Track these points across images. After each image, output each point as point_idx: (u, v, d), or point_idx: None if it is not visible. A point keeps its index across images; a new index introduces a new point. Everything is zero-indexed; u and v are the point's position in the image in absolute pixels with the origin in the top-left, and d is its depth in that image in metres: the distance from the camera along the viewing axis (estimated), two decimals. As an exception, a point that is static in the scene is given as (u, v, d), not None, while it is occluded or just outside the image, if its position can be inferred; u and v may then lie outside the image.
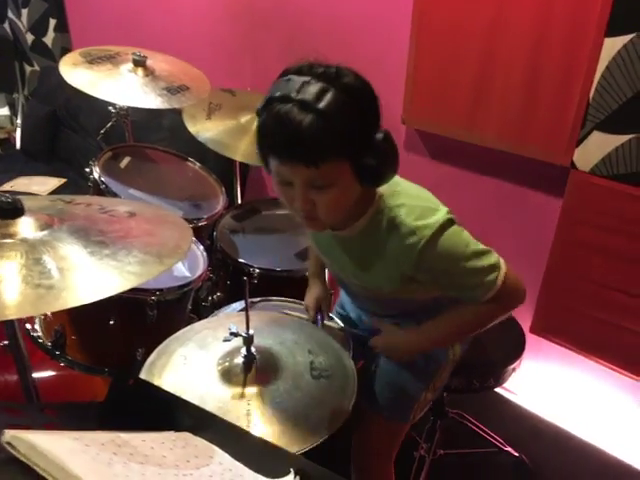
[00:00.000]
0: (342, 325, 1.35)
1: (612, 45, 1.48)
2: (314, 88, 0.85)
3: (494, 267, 1.03)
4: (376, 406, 1.27)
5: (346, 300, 1.41)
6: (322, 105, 0.84)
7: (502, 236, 1.94)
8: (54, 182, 2.74)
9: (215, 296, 1.75)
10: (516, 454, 1.86)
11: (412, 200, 1.02)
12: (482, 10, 1.63)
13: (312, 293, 1.39)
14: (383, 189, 1.02)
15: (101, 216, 0.87)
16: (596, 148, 1.58)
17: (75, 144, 2.97)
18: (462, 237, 1.02)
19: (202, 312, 1.70)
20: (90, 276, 0.75)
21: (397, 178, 1.04)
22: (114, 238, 0.80)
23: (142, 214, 0.93)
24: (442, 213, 1.00)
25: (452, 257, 1.00)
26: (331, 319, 1.37)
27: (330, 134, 0.85)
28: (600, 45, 1.49)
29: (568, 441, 1.96)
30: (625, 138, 1.53)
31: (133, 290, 1.22)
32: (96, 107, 2.08)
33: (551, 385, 2.01)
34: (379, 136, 0.91)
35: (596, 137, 1.57)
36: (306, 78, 0.88)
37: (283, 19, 2.25)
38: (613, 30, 1.47)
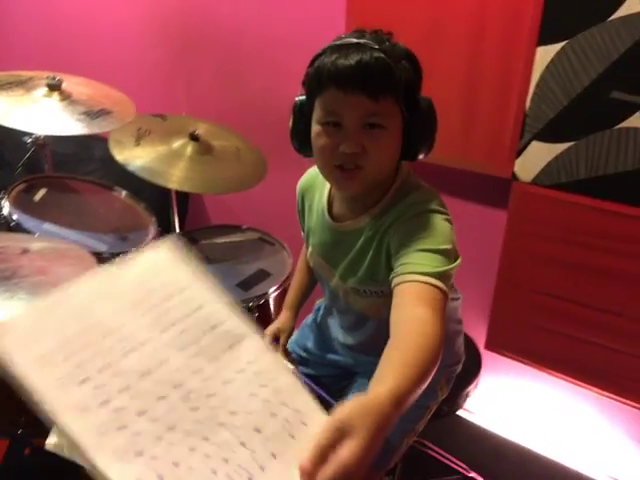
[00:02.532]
0: (292, 366, 1.25)
1: (544, 54, 1.47)
2: (374, 37, 0.90)
3: (447, 267, 0.89)
4: None
5: (316, 340, 1.32)
6: (386, 46, 0.88)
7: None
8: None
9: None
10: (481, 479, 1.78)
11: (432, 193, 1.01)
12: (415, 27, 1.60)
13: (277, 321, 1.32)
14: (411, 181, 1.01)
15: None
16: (536, 158, 1.56)
17: (1, 180, 2.79)
18: (446, 235, 0.93)
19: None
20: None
21: None
22: (-5, 280, 0.68)
23: (39, 250, 0.80)
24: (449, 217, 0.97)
25: (425, 232, 0.91)
26: (286, 355, 1.30)
27: (393, 71, 0.87)
28: (533, 55, 1.49)
29: (532, 460, 1.91)
30: (564, 146, 1.52)
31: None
32: (20, 140, 1.94)
33: (511, 402, 1.97)
34: (425, 100, 0.94)
35: (535, 147, 1.55)
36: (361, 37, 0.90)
37: (216, 41, 2.19)
38: (544, 39, 1.46)
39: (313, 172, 1.13)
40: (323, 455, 0.51)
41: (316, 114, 0.92)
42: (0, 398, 1.22)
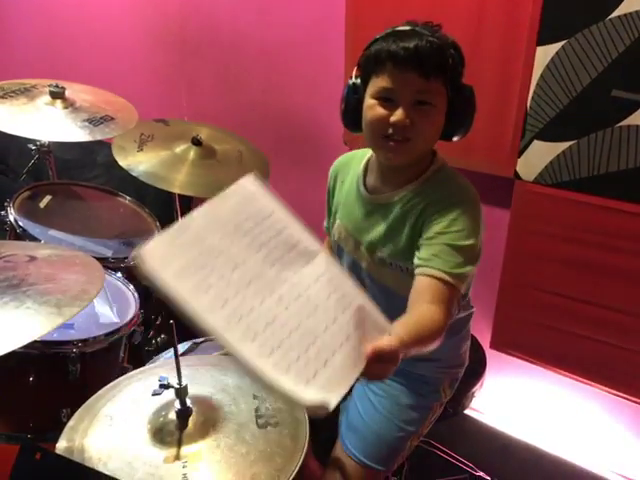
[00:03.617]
0: None
1: (544, 53, 1.47)
2: (427, 27, 0.99)
3: (466, 269, 0.98)
4: (356, 451, 1.17)
5: None
6: (438, 34, 0.98)
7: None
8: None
9: (159, 339, 1.62)
10: (488, 479, 1.78)
11: (469, 186, 1.08)
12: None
13: None
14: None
15: (-8, 264, 0.75)
16: (538, 157, 1.56)
17: (6, 187, 2.81)
18: (477, 231, 1.00)
19: (145, 358, 1.57)
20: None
21: None
22: (4, 288, 0.68)
23: (45, 258, 0.81)
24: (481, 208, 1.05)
25: (457, 225, 0.98)
26: None
27: (445, 55, 0.96)
28: (533, 54, 1.49)
29: (538, 458, 1.90)
30: (565, 145, 1.52)
31: (50, 343, 1.09)
32: (24, 147, 1.96)
33: (517, 401, 1.96)
34: (467, 87, 1.03)
35: (537, 146, 1.56)
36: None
37: (216, 46, 2.20)
38: (544, 39, 1.46)
39: (349, 154, 1.21)
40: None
41: (370, 90, 0.99)
42: (8, 404, 1.23)
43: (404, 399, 1.18)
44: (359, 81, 1.03)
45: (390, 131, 0.97)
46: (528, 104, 1.53)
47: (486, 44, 1.55)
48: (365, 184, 1.12)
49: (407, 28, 0.98)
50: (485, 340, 1.73)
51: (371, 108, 0.99)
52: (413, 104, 0.96)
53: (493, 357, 1.63)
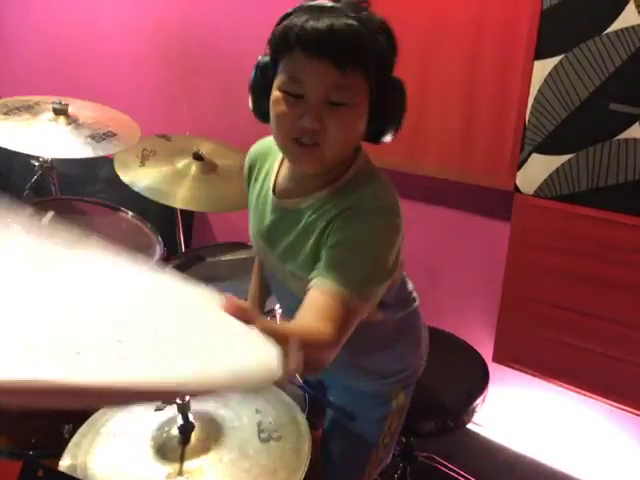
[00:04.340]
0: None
1: (542, 68, 1.49)
2: (350, 4, 0.81)
3: (370, 286, 0.83)
4: (331, 465, 1.17)
5: None
6: (362, 15, 0.80)
7: (454, 265, 1.91)
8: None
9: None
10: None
11: (388, 191, 0.91)
12: (412, 41, 1.63)
13: None
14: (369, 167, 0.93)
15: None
16: (537, 170, 1.57)
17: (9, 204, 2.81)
18: (389, 244, 0.86)
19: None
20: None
21: None
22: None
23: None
24: (399, 218, 0.88)
25: (366, 235, 0.84)
26: None
27: (366, 41, 0.79)
28: (531, 69, 1.51)
29: (542, 472, 1.88)
30: (564, 158, 1.53)
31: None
32: (27, 163, 1.97)
33: (520, 414, 1.95)
34: (397, 81, 0.87)
35: (536, 159, 1.57)
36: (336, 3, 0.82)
37: (218, 62, 2.22)
38: (542, 53, 1.48)
39: (268, 140, 1.04)
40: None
41: (278, 79, 0.84)
42: (10, 420, 1.22)
43: (355, 417, 1.13)
44: (269, 59, 0.87)
45: (298, 134, 0.82)
46: (527, 118, 1.54)
47: (484, 58, 1.57)
48: (275, 185, 0.97)
49: (326, 4, 0.80)
50: (487, 353, 1.73)
51: (277, 104, 0.83)
52: (326, 102, 0.80)
53: (495, 370, 1.62)
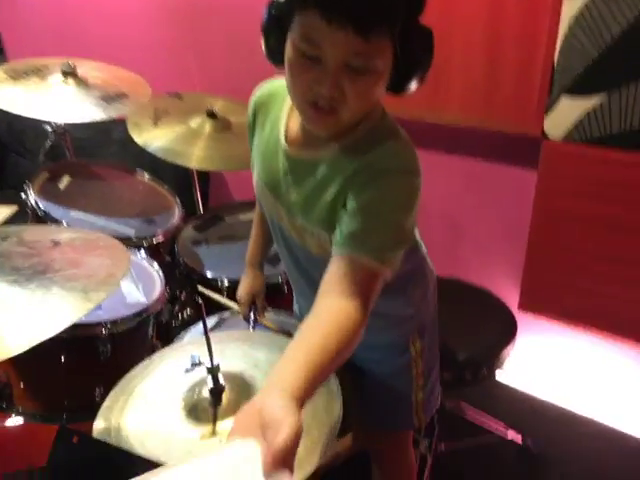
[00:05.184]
0: (278, 325, 1.24)
1: (572, 6, 1.40)
2: None
3: (394, 253, 0.82)
4: (380, 422, 1.19)
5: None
6: None
7: (480, 215, 1.87)
8: (4, 212, 2.56)
9: (185, 314, 1.62)
10: (520, 439, 1.77)
11: (407, 148, 0.86)
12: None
13: (246, 284, 1.25)
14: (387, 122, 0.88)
15: (18, 249, 0.74)
16: (566, 114, 1.51)
17: (24, 169, 2.82)
18: (410, 207, 0.83)
19: (172, 334, 1.58)
20: None
21: None
22: (30, 275, 0.67)
23: (69, 242, 0.80)
24: (419, 177, 0.85)
25: (387, 199, 0.81)
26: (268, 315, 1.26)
27: (393, 7, 0.72)
28: (560, 5, 1.42)
29: (570, 420, 1.89)
30: (595, 101, 1.46)
31: (79, 326, 1.09)
32: (40, 128, 1.95)
33: (547, 363, 1.94)
34: (424, 30, 0.78)
35: (565, 103, 1.50)
36: None
37: (226, 15, 2.15)
38: (571, -11, 1.39)
39: (275, 84, 0.99)
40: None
41: (293, 34, 0.76)
42: (43, 385, 1.24)
43: (381, 369, 1.15)
44: (283, 2, 0.78)
45: (315, 99, 0.77)
46: (555, 58, 1.46)
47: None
48: (287, 133, 0.92)
49: None
50: (513, 303, 1.70)
51: (293, 65, 0.77)
52: (345, 68, 0.74)
53: (522, 318, 1.60)
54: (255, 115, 1.01)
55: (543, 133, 1.54)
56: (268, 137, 0.96)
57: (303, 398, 0.61)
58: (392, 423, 1.21)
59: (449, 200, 1.85)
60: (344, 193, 0.84)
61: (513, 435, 1.78)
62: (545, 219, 1.65)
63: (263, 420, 0.55)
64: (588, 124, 1.48)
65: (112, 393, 0.98)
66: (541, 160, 1.59)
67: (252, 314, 1.24)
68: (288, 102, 0.93)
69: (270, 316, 1.30)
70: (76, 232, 0.93)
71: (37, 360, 1.16)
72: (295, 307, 1.32)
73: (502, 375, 2.01)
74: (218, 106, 1.79)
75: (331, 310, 0.74)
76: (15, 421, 1.23)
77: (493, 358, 1.43)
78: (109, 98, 1.65)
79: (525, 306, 1.78)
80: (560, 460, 1.75)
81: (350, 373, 1.09)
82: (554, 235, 1.66)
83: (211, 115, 1.76)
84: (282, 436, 0.52)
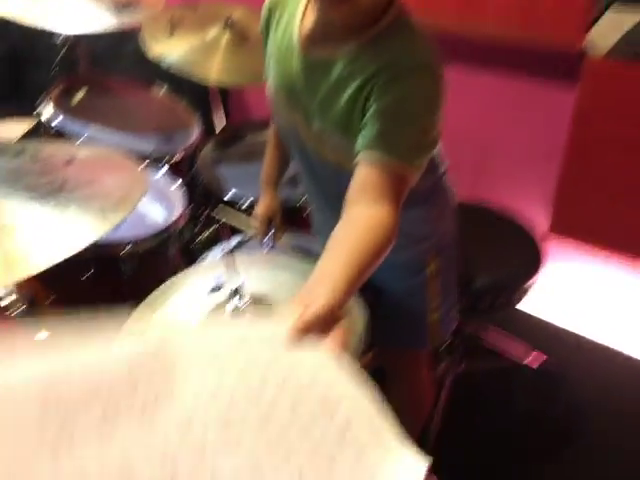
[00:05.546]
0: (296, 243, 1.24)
1: None
2: None
3: (421, 157, 0.81)
4: (394, 339, 1.19)
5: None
6: None
7: (512, 135, 1.80)
8: (23, 126, 2.52)
9: (206, 234, 1.61)
10: (538, 362, 1.77)
11: (427, 44, 0.83)
12: None
13: (263, 203, 1.24)
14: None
15: (31, 167, 0.71)
16: (612, 28, 1.40)
17: (41, 81, 2.74)
18: (436, 108, 0.80)
19: (194, 255, 1.58)
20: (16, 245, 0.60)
21: None
22: (46, 193, 0.65)
23: (84, 159, 0.76)
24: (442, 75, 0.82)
25: (412, 99, 0.79)
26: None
27: None
28: None
29: (593, 349, 1.87)
30: (647, 11, 1.33)
31: (100, 246, 1.08)
32: (52, 40, 1.87)
33: (570, 292, 1.91)
34: None
35: (611, 15, 1.38)
36: None
37: None
38: None
39: None
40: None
41: None
42: (65, 304, 1.26)
43: (396, 287, 1.14)
44: None
45: None
46: (606, -37, 1.33)
47: None
48: (301, 32, 0.88)
49: None
50: (541, 227, 1.65)
51: None
52: None
53: (551, 242, 1.57)
54: (269, 16, 0.97)
55: (584, 49, 1.44)
56: (281, 38, 0.93)
57: (346, 295, 0.64)
58: (406, 341, 1.22)
59: (480, 119, 1.77)
60: (364, 94, 0.81)
61: (533, 356, 1.78)
62: (583, 141, 1.58)
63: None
64: (635, 39, 1.37)
65: (134, 314, 0.99)
66: (582, 77, 1.49)
67: (269, 235, 1.23)
68: (303, 1, 0.90)
69: (288, 238, 1.29)
70: (92, 149, 0.89)
71: (57, 279, 1.17)
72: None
73: (523, 303, 2.00)
74: (236, 15, 1.69)
75: (362, 216, 0.75)
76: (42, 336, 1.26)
77: (514, 291, 1.40)
78: (120, 6, 1.56)
79: (556, 229, 1.74)
80: (576, 383, 1.77)
81: (367, 291, 1.09)
82: (591, 158, 1.59)
83: (228, 26, 1.67)
84: (313, 308, 0.57)
